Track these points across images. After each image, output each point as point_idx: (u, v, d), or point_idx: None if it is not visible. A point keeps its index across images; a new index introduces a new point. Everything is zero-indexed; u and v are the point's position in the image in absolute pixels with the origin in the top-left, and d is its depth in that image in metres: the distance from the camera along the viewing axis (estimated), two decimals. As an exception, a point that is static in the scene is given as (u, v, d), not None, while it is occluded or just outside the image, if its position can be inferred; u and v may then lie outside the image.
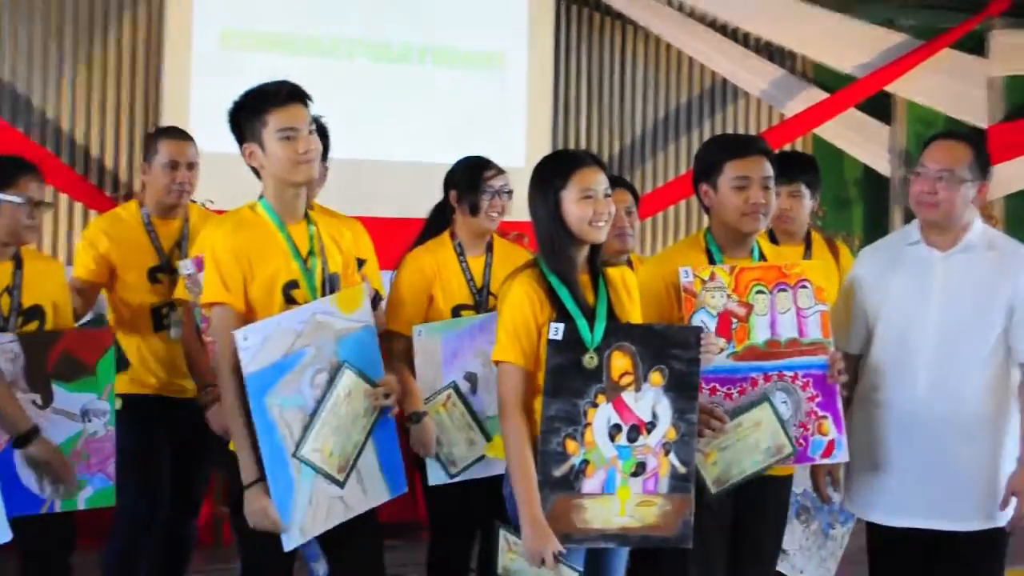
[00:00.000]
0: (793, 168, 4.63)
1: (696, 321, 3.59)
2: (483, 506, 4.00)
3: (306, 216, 3.55)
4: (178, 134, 4.71)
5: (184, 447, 4.58)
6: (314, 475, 3.35)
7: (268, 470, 3.28)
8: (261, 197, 3.53)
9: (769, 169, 3.68)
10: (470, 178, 4.29)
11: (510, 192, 4.31)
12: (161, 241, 4.55)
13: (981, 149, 3.80)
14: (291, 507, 3.31)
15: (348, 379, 3.42)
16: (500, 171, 4.31)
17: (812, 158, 5.11)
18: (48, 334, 3.92)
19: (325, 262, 3.52)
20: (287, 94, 3.44)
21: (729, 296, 3.61)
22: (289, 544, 3.31)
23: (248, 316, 3.38)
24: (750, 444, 3.60)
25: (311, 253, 3.50)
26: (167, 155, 4.53)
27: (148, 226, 4.56)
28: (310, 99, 3.52)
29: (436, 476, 4.13)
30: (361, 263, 4.08)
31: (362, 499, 3.46)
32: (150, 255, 4.53)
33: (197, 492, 4.84)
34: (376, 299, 4.21)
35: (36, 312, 3.95)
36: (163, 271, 4.51)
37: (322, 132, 3.92)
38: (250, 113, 3.46)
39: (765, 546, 3.84)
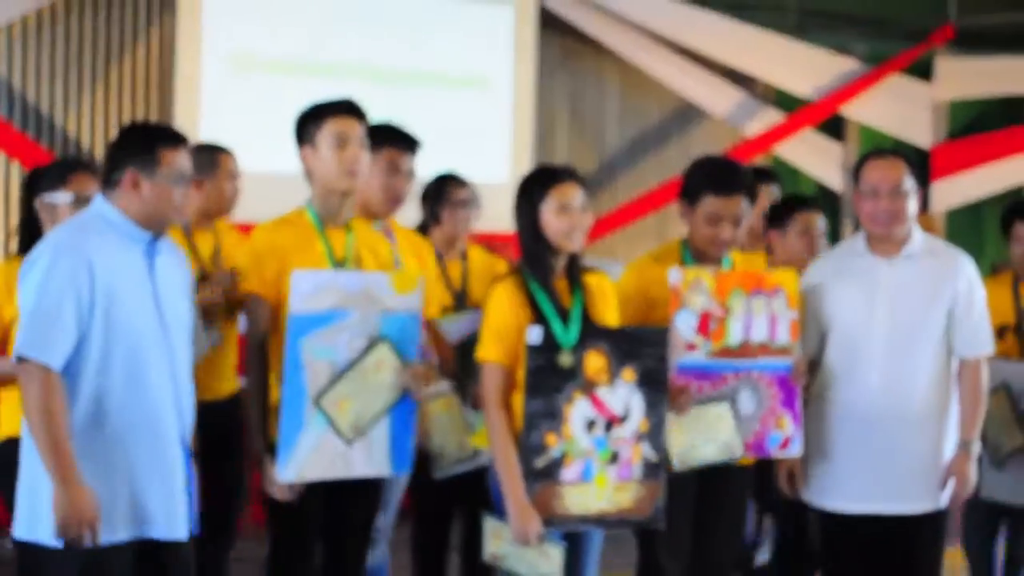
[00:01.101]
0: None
1: (680, 318, 3.61)
2: (461, 490, 4.03)
3: (348, 224, 3.57)
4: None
5: (214, 454, 3.87)
6: (326, 425, 3.35)
7: (284, 405, 3.30)
8: (309, 202, 3.55)
9: (744, 210, 3.73)
10: (436, 190, 4.38)
11: (473, 203, 4.37)
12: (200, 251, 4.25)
13: (910, 160, 3.84)
14: (295, 445, 3.32)
15: (382, 352, 3.41)
16: (463, 185, 4.37)
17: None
18: None
19: (359, 269, 3.53)
20: (347, 107, 3.50)
21: (710, 298, 3.63)
22: (283, 475, 3.31)
23: (278, 310, 3.39)
24: (711, 433, 3.65)
25: (346, 259, 3.51)
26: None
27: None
28: (366, 119, 3.57)
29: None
30: None
31: (365, 465, 3.45)
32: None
33: (231, 513, 4.32)
34: None
35: None
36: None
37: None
38: (311, 118, 3.50)
39: (727, 530, 3.88)
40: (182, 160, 3.15)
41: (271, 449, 3.33)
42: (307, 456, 3.34)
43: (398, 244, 3.96)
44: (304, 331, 3.31)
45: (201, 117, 7.81)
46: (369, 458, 3.44)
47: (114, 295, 3.03)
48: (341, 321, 3.36)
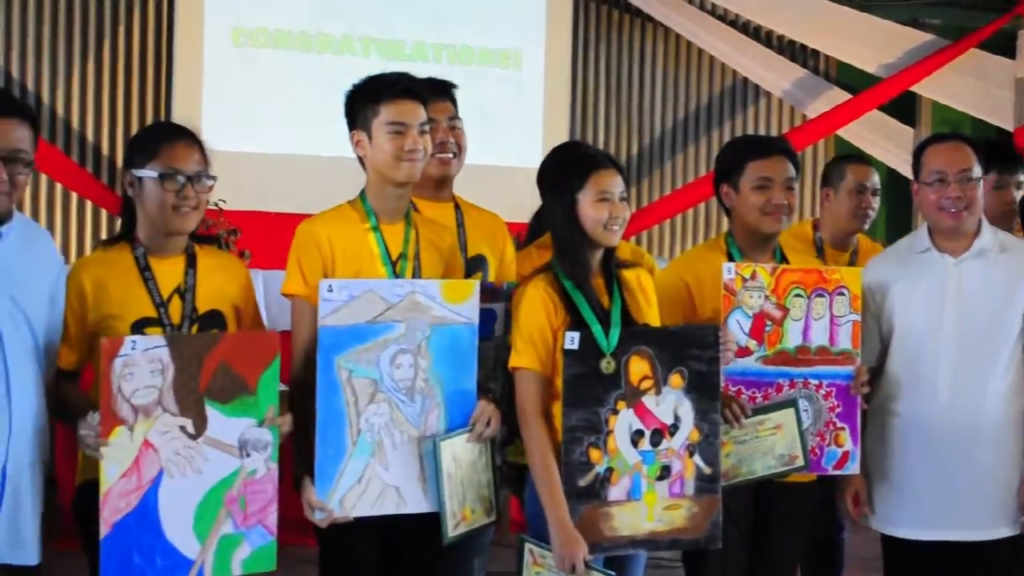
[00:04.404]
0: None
1: (732, 320, 3.64)
2: None
3: (407, 217, 3.50)
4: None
5: None
6: (371, 455, 3.29)
7: (320, 431, 3.24)
8: (362, 192, 3.50)
9: (791, 170, 3.74)
10: None
11: None
12: None
13: (975, 142, 3.85)
14: (336, 476, 3.26)
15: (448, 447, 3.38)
16: None
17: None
18: (204, 337, 3.22)
19: (419, 267, 3.47)
20: (403, 88, 3.43)
21: (767, 297, 3.65)
22: (321, 516, 3.27)
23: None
24: (766, 446, 3.65)
25: (403, 256, 3.45)
26: None
27: None
28: (427, 98, 3.50)
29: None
30: (481, 259, 3.85)
31: (421, 500, 3.37)
32: None
33: None
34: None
35: (214, 319, 3.35)
36: None
37: None
38: (364, 100, 3.43)
39: (784, 553, 3.89)
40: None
41: (310, 472, 3.26)
42: (350, 488, 3.28)
43: (470, 228, 3.84)
44: (339, 347, 3.25)
45: (204, 95, 7.89)
46: (426, 492, 3.37)
47: None
48: (384, 334, 3.30)
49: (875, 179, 4.97)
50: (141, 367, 3.05)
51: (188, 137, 3.32)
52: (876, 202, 4.91)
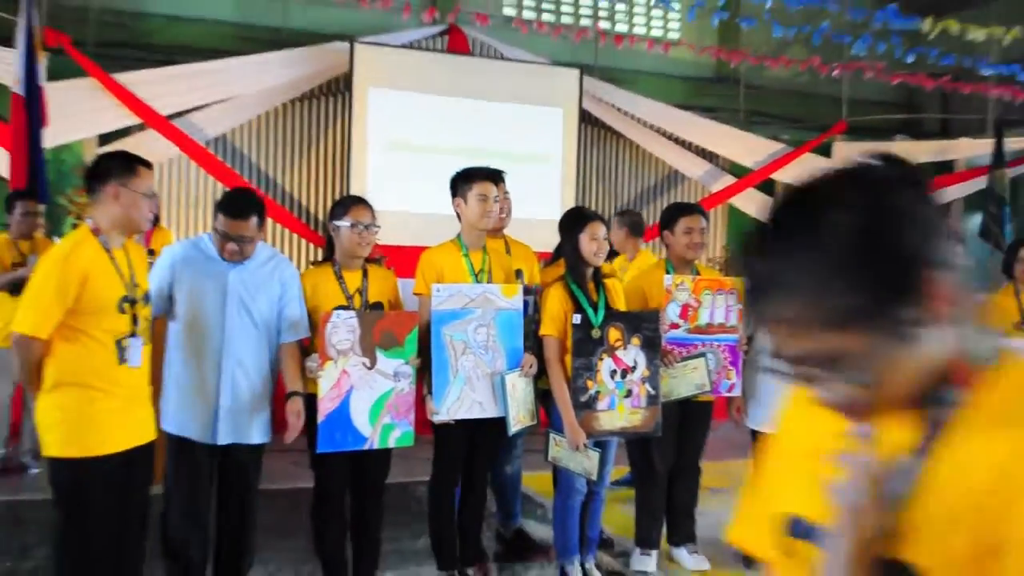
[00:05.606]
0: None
1: (669, 308, 3.61)
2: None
3: (484, 248, 3.46)
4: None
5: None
6: (464, 383, 3.29)
7: (434, 372, 3.25)
8: (459, 234, 3.45)
9: (704, 223, 3.72)
10: None
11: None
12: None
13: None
14: (443, 396, 3.27)
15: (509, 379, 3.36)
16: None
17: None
18: (376, 314, 3.23)
19: (490, 277, 3.44)
20: (486, 174, 3.41)
21: (690, 295, 3.63)
22: (437, 417, 3.28)
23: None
24: (688, 379, 3.63)
25: (481, 271, 3.42)
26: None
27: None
28: (500, 180, 3.47)
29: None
30: (519, 272, 3.70)
31: (494, 409, 3.35)
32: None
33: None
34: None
35: (378, 306, 3.31)
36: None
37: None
38: (463, 179, 3.40)
39: (696, 438, 3.85)
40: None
41: (431, 392, 3.29)
42: (453, 402, 3.29)
43: (513, 253, 3.76)
44: (444, 322, 3.27)
45: (368, 182, 7.91)
46: (495, 405, 3.36)
47: (190, 285, 3.01)
48: (469, 315, 3.30)
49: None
50: (341, 328, 3.10)
51: (365, 203, 3.32)
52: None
